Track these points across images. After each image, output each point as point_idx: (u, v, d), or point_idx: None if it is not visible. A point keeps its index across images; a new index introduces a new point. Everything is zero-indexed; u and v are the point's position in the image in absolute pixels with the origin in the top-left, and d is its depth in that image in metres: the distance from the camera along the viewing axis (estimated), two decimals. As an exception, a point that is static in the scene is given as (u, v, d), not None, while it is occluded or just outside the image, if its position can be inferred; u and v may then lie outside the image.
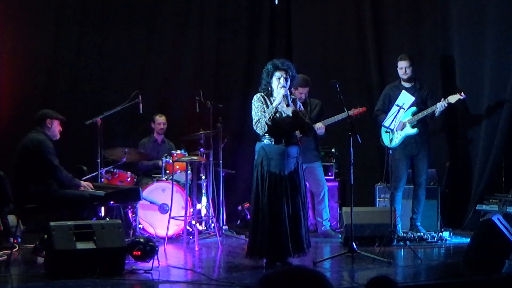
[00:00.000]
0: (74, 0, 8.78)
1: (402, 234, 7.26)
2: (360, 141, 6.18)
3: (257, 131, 5.85)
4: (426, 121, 7.58)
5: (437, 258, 6.72)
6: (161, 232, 7.42)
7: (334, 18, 9.27)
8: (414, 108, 7.44)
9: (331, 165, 8.47)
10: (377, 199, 8.06)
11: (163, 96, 9.16)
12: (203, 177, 7.96)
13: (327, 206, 7.87)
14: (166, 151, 8.32)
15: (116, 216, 7.58)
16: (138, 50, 9.05)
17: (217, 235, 7.29)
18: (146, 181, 8.00)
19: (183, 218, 7.38)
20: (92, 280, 5.34)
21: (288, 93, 5.86)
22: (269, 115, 5.75)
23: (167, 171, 7.92)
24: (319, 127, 7.54)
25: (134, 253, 5.97)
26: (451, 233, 7.46)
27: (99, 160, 7.49)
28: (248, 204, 8.39)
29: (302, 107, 6.11)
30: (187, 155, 7.83)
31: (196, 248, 6.93)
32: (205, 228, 7.92)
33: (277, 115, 5.81)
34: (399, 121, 7.16)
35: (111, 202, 6.82)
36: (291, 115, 5.80)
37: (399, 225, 7.42)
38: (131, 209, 7.74)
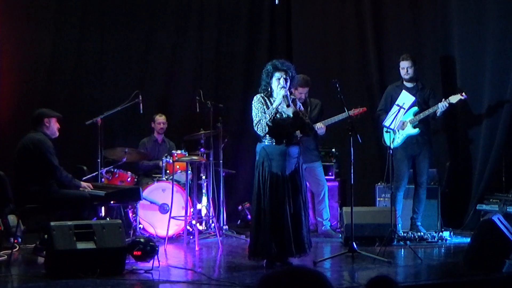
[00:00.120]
0: (74, 0, 8.78)
1: (402, 234, 7.26)
2: (360, 141, 6.18)
3: (258, 132, 5.85)
4: (428, 121, 7.58)
5: (437, 258, 6.72)
6: (162, 232, 7.42)
7: (334, 18, 9.27)
8: (415, 108, 7.45)
9: (331, 165, 8.48)
10: (377, 199, 8.07)
11: (163, 96, 9.16)
12: (204, 177, 7.96)
13: (327, 206, 7.87)
14: (166, 150, 8.32)
15: (116, 216, 7.58)
16: (138, 50, 9.05)
17: (218, 235, 7.29)
18: (147, 181, 8.00)
19: (183, 218, 7.38)
20: (92, 280, 5.34)
21: (288, 93, 5.86)
22: (269, 116, 5.75)
23: (168, 171, 7.92)
24: (320, 127, 7.54)
25: (135, 253, 5.97)
26: (452, 233, 7.46)
27: (99, 160, 7.49)
28: (248, 204, 8.41)
29: (302, 107, 6.11)
30: (187, 155, 7.83)
31: (197, 248, 6.93)
32: (205, 228, 7.92)
33: (278, 115, 5.81)
34: (399, 121, 7.16)
35: (112, 202, 6.83)
36: (291, 115, 5.80)
37: (399, 225, 7.42)
38: (132, 209, 7.74)
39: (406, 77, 7.59)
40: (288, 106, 5.79)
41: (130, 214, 7.77)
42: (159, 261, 5.95)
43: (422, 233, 7.37)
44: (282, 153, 5.81)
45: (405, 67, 7.58)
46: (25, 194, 6.26)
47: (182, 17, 9.26)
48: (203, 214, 7.95)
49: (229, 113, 8.76)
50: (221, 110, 7.98)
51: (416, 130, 7.47)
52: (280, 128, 5.82)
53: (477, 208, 7.79)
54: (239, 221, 8.68)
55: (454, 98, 7.34)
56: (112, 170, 7.81)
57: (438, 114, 7.41)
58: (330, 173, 8.42)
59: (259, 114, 5.81)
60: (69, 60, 8.70)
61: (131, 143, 8.28)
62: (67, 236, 5.51)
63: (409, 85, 7.60)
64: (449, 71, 8.33)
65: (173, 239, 7.48)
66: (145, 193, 7.51)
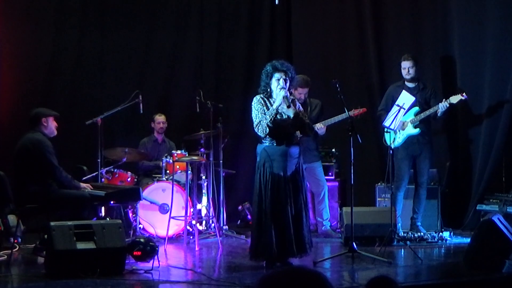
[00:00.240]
0: (74, 0, 8.78)
1: (402, 234, 7.26)
2: (360, 141, 6.19)
3: (258, 133, 5.84)
4: (429, 121, 7.58)
5: (437, 258, 6.71)
6: (161, 232, 7.41)
7: (334, 18, 9.26)
8: (416, 108, 7.45)
9: (331, 165, 8.47)
10: (377, 199, 8.07)
11: (163, 96, 9.16)
12: (204, 177, 7.96)
13: (327, 206, 7.87)
14: (166, 150, 8.32)
15: (116, 216, 7.58)
16: (138, 50, 9.05)
17: (218, 235, 7.29)
18: (147, 181, 8.00)
19: (183, 218, 7.38)
20: (92, 280, 5.34)
21: (288, 94, 5.86)
22: (270, 117, 5.74)
23: (168, 171, 7.92)
24: (320, 127, 7.54)
25: (135, 253, 5.97)
26: (452, 233, 7.47)
27: (99, 160, 7.49)
28: (248, 204, 8.41)
29: (301, 108, 6.10)
30: (187, 155, 7.83)
31: (197, 248, 6.93)
32: (205, 228, 7.92)
33: (278, 116, 5.81)
34: (399, 121, 7.16)
35: (112, 202, 6.83)
36: (292, 116, 5.80)
37: (399, 225, 7.42)
38: (132, 209, 7.74)
39: (408, 77, 7.59)
40: (288, 107, 5.78)
41: (130, 214, 7.77)
42: (159, 261, 5.95)
43: (422, 233, 7.37)
44: (283, 154, 5.81)
45: (406, 67, 7.57)
46: (25, 194, 6.26)
47: (182, 17, 9.25)
48: (203, 214, 7.95)
49: (229, 113, 8.76)
50: (221, 110, 7.98)
51: (417, 130, 7.47)
52: (280, 129, 5.82)
53: (477, 208, 7.78)
54: (239, 221, 8.68)
55: (454, 99, 7.34)
56: (112, 170, 7.81)
57: (438, 114, 7.41)
58: (330, 173, 8.42)
59: (259, 115, 5.81)
60: (69, 60, 8.70)
61: (131, 143, 8.28)
62: (67, 236, 5.51)
63: (410, 85, 7.60)
64: (449, 71, 8.33)
65: (173, 239, 7.48)
66: (145, 193, 7.51)
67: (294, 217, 5.78)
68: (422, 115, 7.45)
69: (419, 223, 7.60)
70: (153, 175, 8.13)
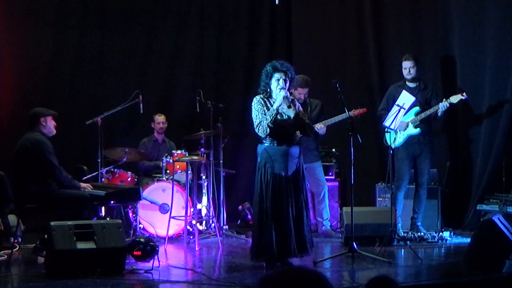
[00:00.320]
0: (74, 0, 8.78)
1: (402, 234, 7.26)
2: (360, 141, 6.19)
3: (259, 134, 5.84)
4: (429, 121, 7.58)
5: (437, 258, 6.72)
6: (162, 232, 7.42)
7: (334, 18, 9.26)
8: (417, 108, 7.45)
9: (331, 165, 8.48)
10: (377, 199, 8.07)
11: (163, 96, 9.16)
12: (204, 177, 7.96)
13: (328, 206, 7.87)
14: (166, 150, 8.32)
15: (116, 216, 7.58)
16: (138, 50, 9.05)
17: (218, 235, 7.29)
18: (147, 181, 8.00)
19: (183, 218, 7.38)
20: (92, 280, 5.34)
21: (288, 94, 5.86)
22: (270, 117, 5.74)
23: (168, 171, 7.92)
24: (320, 127, 7.54)
25: (135, 253, 5.97)
26: (452, 233, 7.46)
27: (99, 160, 7.49)
28: (248, 204, 8.41)
29: (300, 108, 6.11)
30: (187, 155, 7.83)
31: (197, 248, 6.93)
32: (205, 228, 7.92)
33: (278, 116, 5.81)
34: (400, 121, 7.15)
35: (112, 202, 6.82)
36: (292, 116, 5.79)
37: (400, 225, 7.42)
38: (132, 209, 7.74)
39: (409, 77, 7.59)
40: (289, 107, 5.78)
41: (130, 214, 7.77)
42: (159, 261, 5.95)
43: (422, 233, 7.37)
44: (284, 154, 5.81)
45: (407, 67, 7.57)
46: (25, 194, 6.26)
47: (182, 17, 9.25)
48: (203, 214, 7.95)
49: (229, 113, 8.76)
50: (221, 110, 7.97)
51: (417, 130, 7.47)
52: (281, 129, 5.82)
53: (477, 208, 7.78)
54: (239, 221, 8.68)
55: (455, 98, 7.34)
56: (112, 170, 7.81)
57: (439, 114, 7.41)
58: (330, 173, 8.42)
59: (260, 115, 5.81)
60: (69, 60, 8.70)
61: (131, 143, 8.28)
62: (67, 236, 5.51)
63: (411, 85, 7.60)
64: (449, 71, 8.33)
65: (173, 239, 7.48)
66: (145, 193, 7.51)
67: (295, 217, 5.79)
68: (423, 115, 7.45)
69: (419, 223, 7.59)
70: (153, 175, 8.13)
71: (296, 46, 9.45)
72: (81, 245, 5.53)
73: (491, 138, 7.89)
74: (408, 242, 6.85)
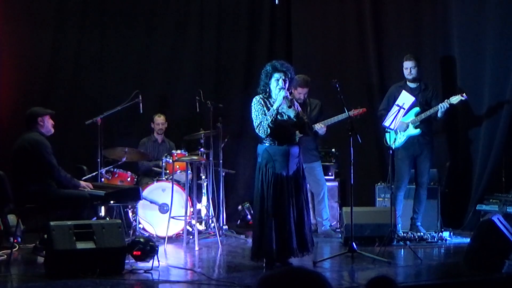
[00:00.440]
0: (74, 0, 8.78)
1: (402, 234, 7.26)
2: (360, 141, 6.19)
3: (259, 134, 5.84)
4: (430, 122, 7.58)
5: (437, 258, 6.72)
6: (161, 232, 7.41)
7: (334, 18, 9.27)
8: (417, 109, 7.45)
9: (331, 165, 8.48)
10: (377, 199, 8.07)
11: (163, 96, 9.16)
12: (203, 177, 7.96)
13: (327, 206, 7.87)
14: (166, 150, 8.33)
15: (116, 216, 7.59)
16: (138, 50, 9.05)
17: (217, 235, 7.29)
18: (146, 180, 8.00)
19: (183, 218, 7.38)
20: (92, 280, 5.33)
21: (288, 94, 5.86)
22: (270, 117, 5.74)
23: (167, 171, 7.91)
24: (320, 127, 7.55)
25: (134, 253, 5.97)
26: (451, 233, 7.46)
27: (99, 160, 7.49)
28: (248, 204, 8.41)
29: (299, 108, 6.11)
30: (187, 155, 7.82)
31: (196, 248, 6.93)
32: (205, 228, 7.92)
33: (279, 116, 5.81)
34: (399, 121, 7.15)
35: (111, 201, 6.82)
36: (293, 116, 5.79)
37: (399, 225, 7.42)
38: (131, 209, 7.74)
39: (410, 77, 7.59)
40: (289, 107, 5.79)
41: (130, 214, 7.77)
42: (158, 261, 5.95)
43: (422, 233, 7.36)
44: (285, 154, 5.81)
45: (408, 67, 7.57)
46: (25, 194, 6.26)
47: (182, 17, 9.25)
48: (203, 214, 7.95)
49: (229, 113, 8.75)
50: (221, 110, 7.97)
51: (418, 131, 7.47)
52: (282, 129, 5.82)
53: (477, 208, 7.78)
54: (239, 221, 8.68)
55: (454, 99, 7.34)
56: (112, 170, 7.81)
57: (439, 115, 7.40)
58: (330, 173, 8.43)
59: (260, 116, 5.80)
60: (69, 60, 8.69)
61: (131, 143, 8.28)
62: (66, 236, 5.51)
63: (412, 85, 7.60)
64: (449, 71, 8.33)
65: (173, 239, 7.48)
66: (145, 193, 7.51)
67: (296, 216, 5.79)
68: (423, 116, 7.45)
69: (419, 223, 7.59)
70: (153, 175, 8.13)
71: (296, 46, 9.45)
72: (80, 245, 5.53)
73: (491, 138, 7.89)
74: (407, 242, 6.86)
